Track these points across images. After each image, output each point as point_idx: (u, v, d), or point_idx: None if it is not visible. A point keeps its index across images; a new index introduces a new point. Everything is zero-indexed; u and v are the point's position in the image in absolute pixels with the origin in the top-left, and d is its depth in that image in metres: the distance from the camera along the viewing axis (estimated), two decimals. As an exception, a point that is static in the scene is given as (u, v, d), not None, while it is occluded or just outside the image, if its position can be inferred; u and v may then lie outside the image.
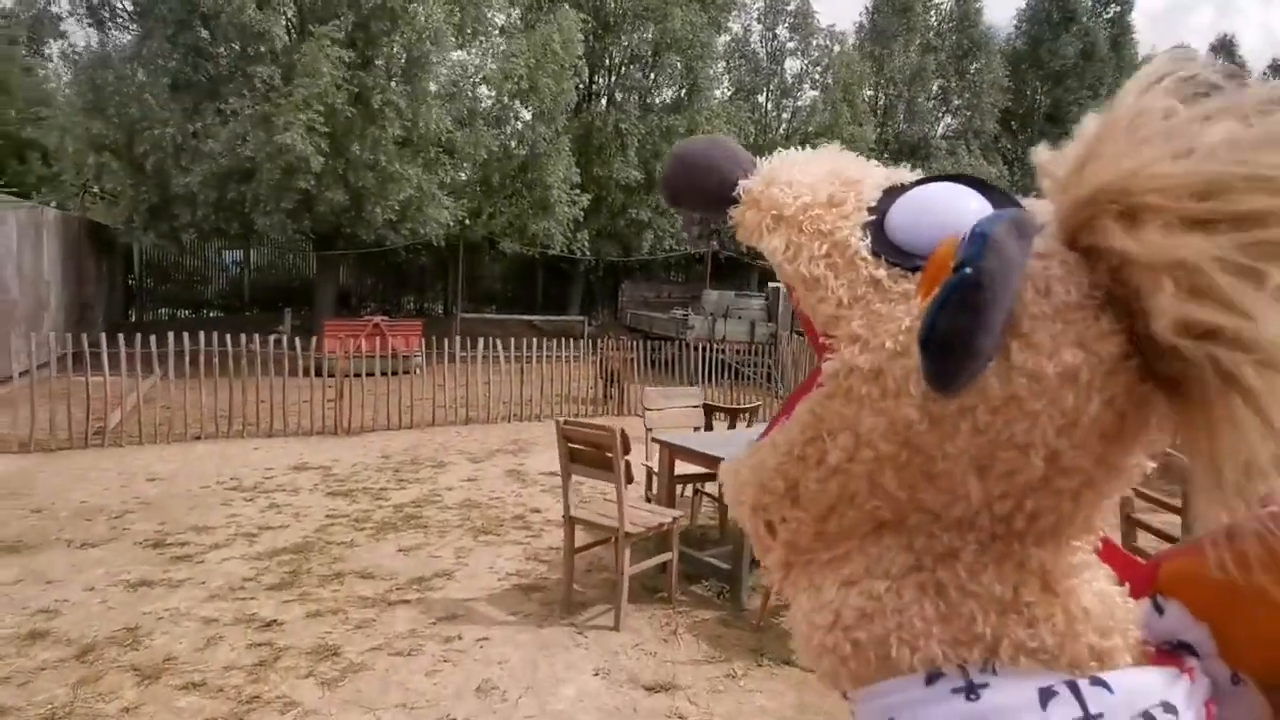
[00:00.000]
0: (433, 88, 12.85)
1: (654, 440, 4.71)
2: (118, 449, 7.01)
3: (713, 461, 4.13)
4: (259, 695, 2.95)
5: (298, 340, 8.45)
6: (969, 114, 23.72)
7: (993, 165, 22.87)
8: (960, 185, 0.53)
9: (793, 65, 21.92)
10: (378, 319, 12.72)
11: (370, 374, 9.64)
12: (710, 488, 5.06)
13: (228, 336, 7.96)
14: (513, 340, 9.46)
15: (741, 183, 0.59)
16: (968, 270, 0.40)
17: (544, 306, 21.14)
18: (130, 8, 12.23)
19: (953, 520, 0.50)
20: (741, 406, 5.55)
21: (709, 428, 5.42)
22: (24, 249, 9.63)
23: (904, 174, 0.57)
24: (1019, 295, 0.44)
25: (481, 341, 9.12)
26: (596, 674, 3.25)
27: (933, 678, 0.49)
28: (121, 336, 7.33)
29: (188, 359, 7.69)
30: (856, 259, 0.52)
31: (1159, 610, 0.54)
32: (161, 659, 3.20)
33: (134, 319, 17.76)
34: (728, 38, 20.96)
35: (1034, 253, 0.45)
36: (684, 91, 18.80)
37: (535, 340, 9.64)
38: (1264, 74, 26.43)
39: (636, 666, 3.32)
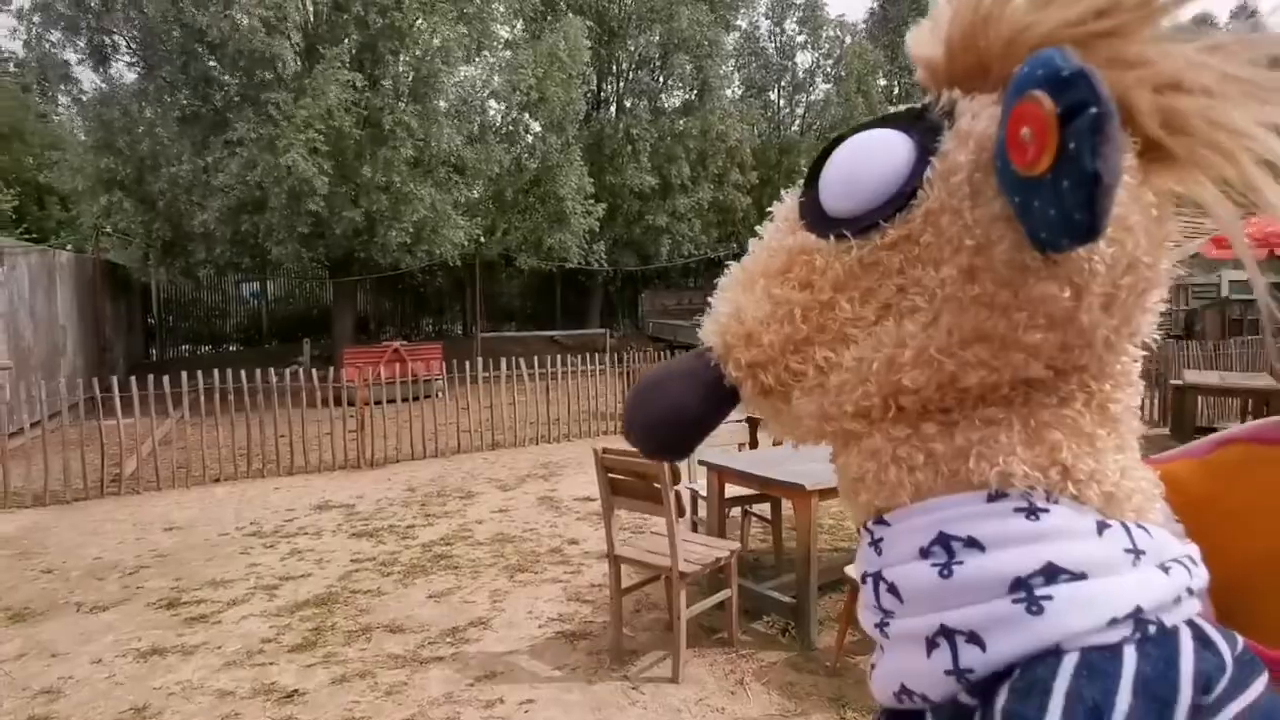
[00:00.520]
0: (443, 105, 12.61)
1: (700, 462, 4.31)
2: (135, 496, 6.75)
3: (767, 484, 3.73)
4: (278, 788, 2.59)
5: (315, 371, 8.16)
6: (988, 97, 23.03)
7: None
8: (862, 138, 0.57)
9: (804, 59, 21.50)
10: (397, 344, 12.46)
11: (391, 400, 9.33)
12: (760, 509, 4.64)
13: (243, 372, 7.68)
14: (535, 358, 9.12)
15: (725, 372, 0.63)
16: (1093, 110, 0.40)
17: (564, 321, 20.83)
18: (133, 45, 12.11)
19: (1063, 361, 0.54)
20: (789, 418, 5.12)
21: (754, 444, 5.01)
22: (36, 294, 9.47)
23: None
24: None
25: (504, 361, 8.79)
26: (659, 741, 2.84)
27: (995, 497, 0.53)
28: (134, 380, 7.07)
29: (202, 398, 7.41)
30: (823, 277, 0.58)
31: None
32: (171, 746, 2.85)
33: (155, 358, 17.71)
34: (736, 35, 20.58)
35: None
36: (695, 93, 18.45)
37: (558, 356, 9.29)
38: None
39: (704, 729, 2.91)
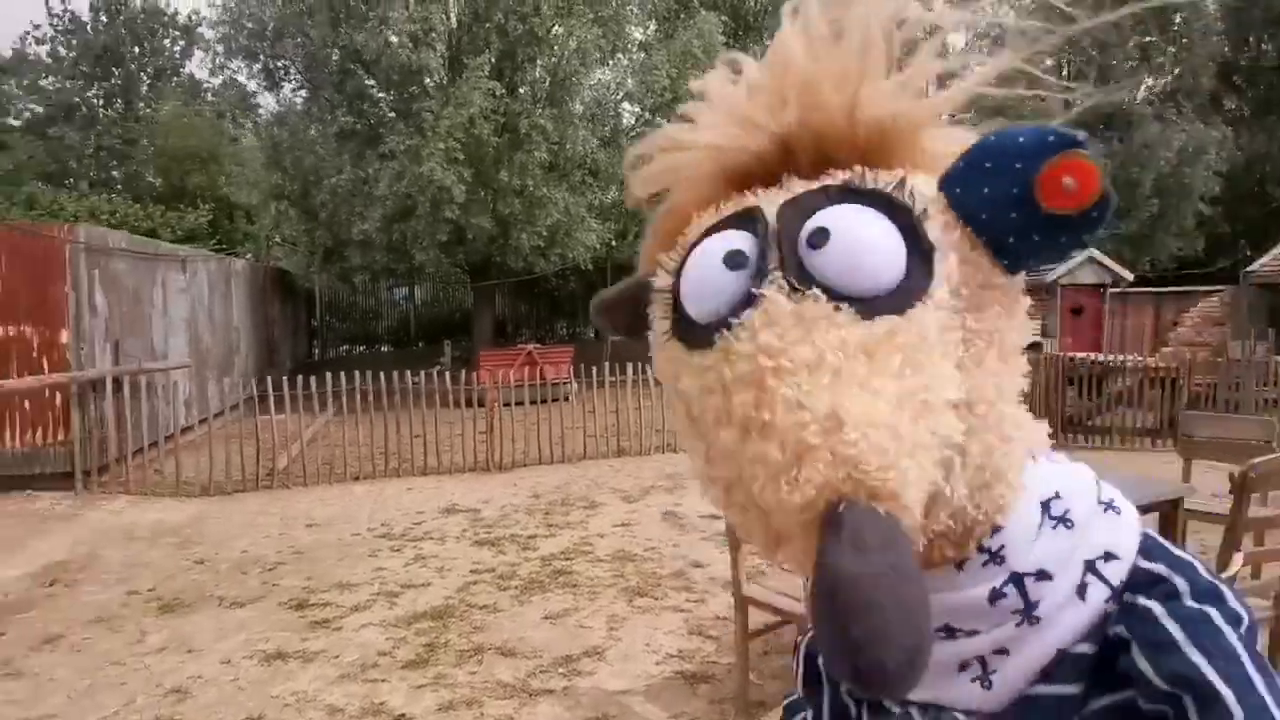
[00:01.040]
0: (578, 109, 12.69)
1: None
2: (285, 491, 7.13)
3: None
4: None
5: (448, 374, 8.34)
6: (1177, 71, 20.41)
7: (1213, 128, 19.46)
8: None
9: (957, 37, 19.89)
10: (530, 347, 12.66)
11: (520, 403, 9.40)
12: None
13: (382, 375, 7.96)
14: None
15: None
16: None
17: (695, 324, 20.48)
18: (300, 69, 13.10)
19: None
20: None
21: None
22: (214, 299, 10.40)
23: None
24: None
25: (630, 366, 8.59)
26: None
27: None
28: (285, 380, 7.51)
29: (344, 398, 7.75)
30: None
31: None
32: (278, 765, 2.79)
33: (317, 357, 19.18)
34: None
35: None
36: (837, 81, 17.50)
37: (688, 363, 8.97)
38: None
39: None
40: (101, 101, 28.48)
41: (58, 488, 6.73)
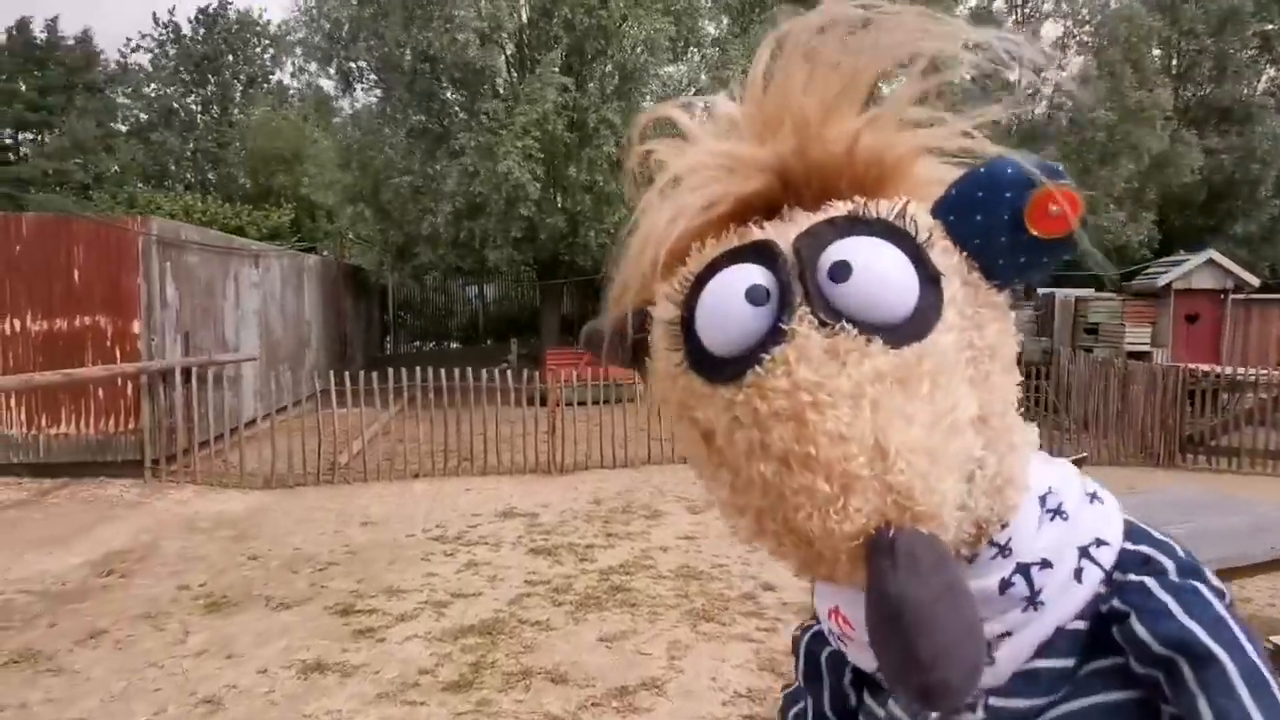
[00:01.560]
0: (649, 103, 12.37)
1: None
2: (346, 486, 7.03)
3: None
4: None
5: (509, 373, 8.11)
6: (1304, 60, 18.54)
7: (1346, 122, 17.58)
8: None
9: (1051, 30, 18.71)
10: (596, 346, 12.40)
11: (583, 402, 9.10)
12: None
13: (454, 371, 7.79)
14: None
15: None
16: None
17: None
18: (374, 70, 13.24)
19: None
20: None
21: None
22: (286, 293, 10.53)
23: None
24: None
25: (699, 369, 8.17)
26: None
27: None
28: (354, 375, 7.44)
29: (406, 394, 7.62)
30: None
31: None
32: (300, 798, 2.51)
33: (389, 352, 19.49)
34: (965, 10, 18.37)
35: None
36: (917, 77, 16.63)
37: (759, 366, 8.50)
38: None
39: None
40: (199, 107, 30.01)
41: (128, 475, 6.81)
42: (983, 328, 0.50)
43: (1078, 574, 0.52)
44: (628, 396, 9.78)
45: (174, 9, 39.27)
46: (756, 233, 0.51)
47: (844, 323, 0.46)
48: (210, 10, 29.44)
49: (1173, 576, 0.51)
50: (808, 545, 0.46)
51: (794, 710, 0.71)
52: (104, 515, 5.98)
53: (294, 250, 12.66)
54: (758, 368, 0.46)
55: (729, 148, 0.53)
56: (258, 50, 30.55)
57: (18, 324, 6.68)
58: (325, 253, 18.15)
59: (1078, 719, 0.51)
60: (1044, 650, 0.53)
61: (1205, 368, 8.45)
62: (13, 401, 6.64)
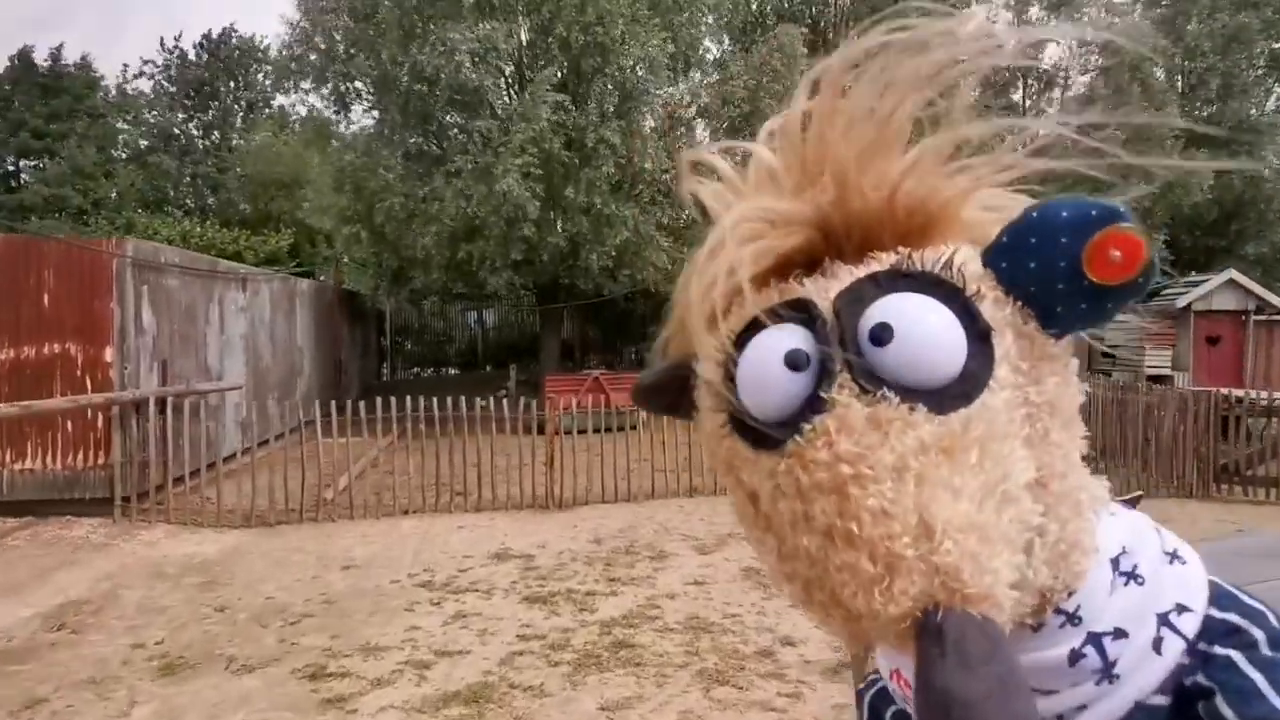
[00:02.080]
0: (649, 123, 12.11)
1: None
2: (330, 524, 6.59)
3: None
4: None
5: (505, 403, 7.71)
6: (1314, 78, 18.36)
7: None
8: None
9: (1054, 50, 18.54)
10: (597, 373, 12.01)
11: (583, 431, 8.68)
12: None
13: (446, 400, 7.38)
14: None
15: None
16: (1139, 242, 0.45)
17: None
18: (370, 91, 13.02)
19: None
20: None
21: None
22: (276, 318, 10.16)
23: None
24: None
25: (705, 396, 7.78)
26: None
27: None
28: (343, 405, 7.05)
29: (393, 424, 7.22)
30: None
31: None
32: None
33: (386, 379, 19.10)
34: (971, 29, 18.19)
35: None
36: (922, 97, 16.44)
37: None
38: None
39: None
40: (200, 132, 29.99)
41: (98, 513, 6.38)
42: (1040, 382, 0.49)
43: (1157, 644, 0.49)
44: (629, 424, 9.37)
45: (180, 35, 39.51)
46: (796, 289, 0.50)
47: (885, 390, 0.44)
48: (214, 36, 29.55)
49: (1264, 650, 0.48)
50: (855, 621, 0.44)
51: None
52: (66, 559, 5.54)
53: (285, 275, 12.32)
54: (798, 437, 0.45)
55: (769, 204, 0.51)
56: (260, 76, 30.60)
57: (-16, 352, 6.31)
58: (323, 277, 17.86)
59: None
60: None
61: (1239, 392, 8.03)
62: (-25, 435, 6.24)
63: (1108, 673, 0.49)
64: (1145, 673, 0.49)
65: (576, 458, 7.50)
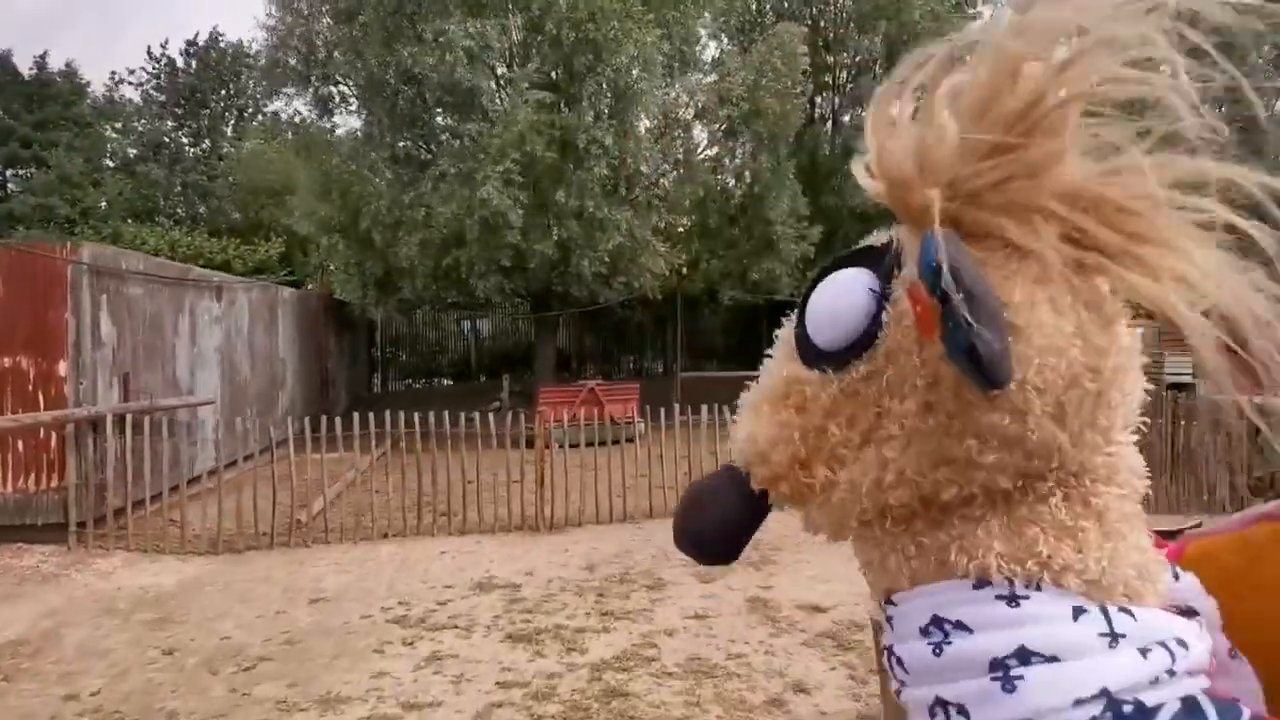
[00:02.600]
0: (644, 125, 11.72)
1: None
2: (303, 550, 6.13)
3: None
4: None
5: (493, 418, 7.25)
6: (1322, 77, 18.05)
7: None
8: (836, 275, 0.63)
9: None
10: (593, 384, 11.58)
11: (575, 445, 8.24)
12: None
13: (431, 414, 6.94)
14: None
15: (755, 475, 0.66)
16: (959, 298, 0.47)
17: (770, 359, 19.08)
18: (353, 92, 12.63)
19: (1035, 469, 0.57)
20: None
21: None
22: (256, 328, 9.72)
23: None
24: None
25: (705, 408, 7.35)
26: None
27: (981, 584, 0.57)
28: (323, 419, 6.60)
29: (372, 440, 6.77)
30: (816, 404, 0.61)
31: (1175, 577, 0.63)
32: None
33: (376, 391, 18.63)
34: (979, 25, 17.89)
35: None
36: (929, 97, 16.10)
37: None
38: None
39: None
40: (189, 140, 29.62)
41: (52, 540, 5.92)
42: (903, 398, 0.57)
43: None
44: (625, 437, 8.93)
45: (167, 43, 39.22)
46: None
47: (796, 328, 0.66)
48: (202, 43, 29.21)
49: None
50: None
51: None
52: (9, 593, 5.08)
53: (267, 283, 11.87)
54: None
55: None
56: (250, 82, 30.24)
57: (-72, 367, 5.87)
58: (310, 286, 17.41)
59: None
60: None
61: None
62: (-80, 457, 5.79)
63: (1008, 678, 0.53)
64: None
65: (569, 475, 7.05)
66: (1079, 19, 0.50)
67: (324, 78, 12.23)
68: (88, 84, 28.83)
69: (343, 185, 11.46)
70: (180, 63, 29.12)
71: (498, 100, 11.15)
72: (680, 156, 12.91)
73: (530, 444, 7.19)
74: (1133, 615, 0.55)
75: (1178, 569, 0.63)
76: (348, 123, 13.48)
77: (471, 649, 4.09)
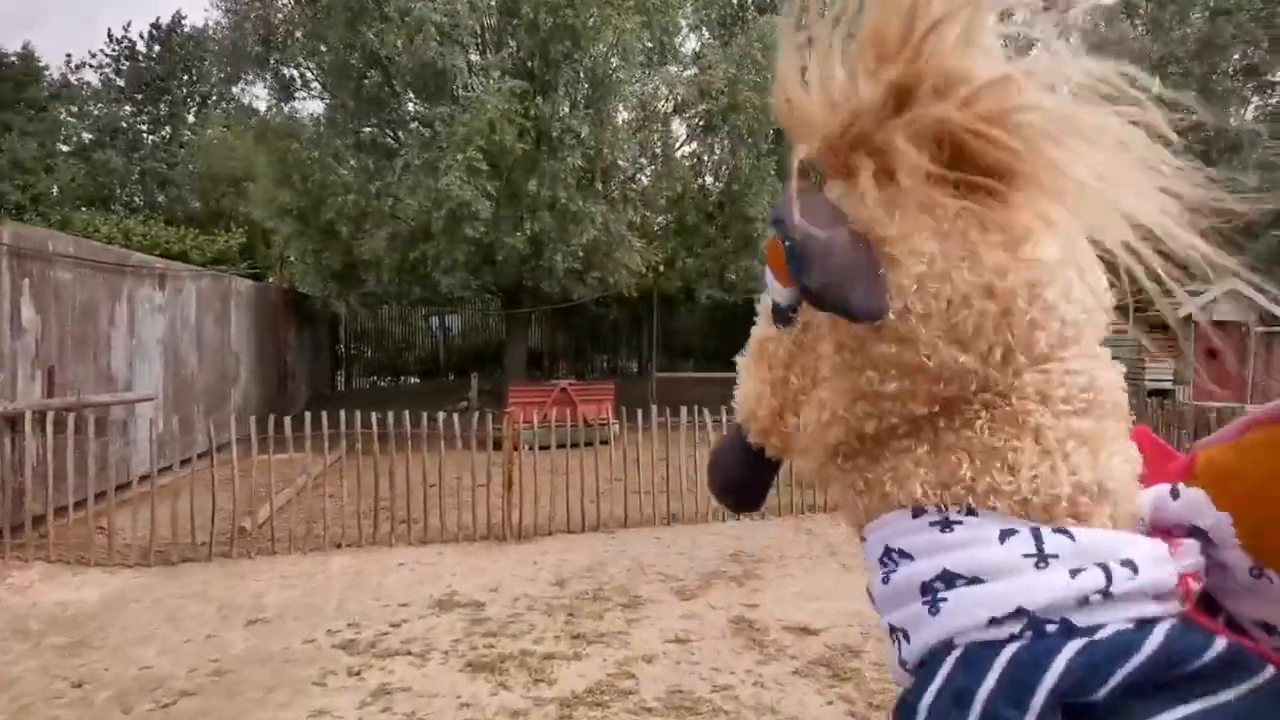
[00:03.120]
0: (622, 116, 11.31)
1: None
2: (246, 561, 5.62)
3: None
4: None
5: (458, 419, 6.78)
6: (1291, 86, 18.27)
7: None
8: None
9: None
10: (565, 383, 11.13)
11: (545, 447, 7.80)
12: None
13: (389, 414, 6.47)
14: (721, 407, 7.19)
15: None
16: (789, 243, 0.55)
17: (747, 359, 18.77)
18: (316, 76, 12.04)
19: (958, 393, 0.59)
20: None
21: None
22: (205, 319, 9.11)
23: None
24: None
25: (684, 410, 6.97)
26: None
27: (918, 513, 0.60)
28: (271, 418, 6.07)
29: (325, 440, 6.27)
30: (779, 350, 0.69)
31: (1174, 495, 0.61)
32: None
33: (339, 388, 17.96)
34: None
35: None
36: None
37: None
38: None
39: None
40: (148, 127, 28.53)
41: (-37, 551, 5.34)
42: (822, 342, 0.65)
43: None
44: (599, 439, 8.49)
45: (129, 25, 37.87)
46: None
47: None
48: (164, 26, 28.15)
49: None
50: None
51: None
52: (-96, 611, 4.52)
53: (220, 272, 11.22)
54: None
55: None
56: (213, 68, 29.22)
57: None
58: (271, 278, 16.70)
59: None
60: None
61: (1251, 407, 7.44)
62: None
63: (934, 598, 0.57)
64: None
65: (539, 478, 6.63)
66: None
67: (284, 59, 11.61)
68: (45, 67, 27.56)
69: (303, 171, 10.86)
70: (141, 47, 28.03)
71: (470, 85, 10.67)
72: (658, 151, 12.54)
73: (498, 445, 6.74)
74: (1070, 536, 0.56)
75: (1179, 486, 0.61)
76: (310, 107, 12.86)
77: (426, 680, 3.65)
